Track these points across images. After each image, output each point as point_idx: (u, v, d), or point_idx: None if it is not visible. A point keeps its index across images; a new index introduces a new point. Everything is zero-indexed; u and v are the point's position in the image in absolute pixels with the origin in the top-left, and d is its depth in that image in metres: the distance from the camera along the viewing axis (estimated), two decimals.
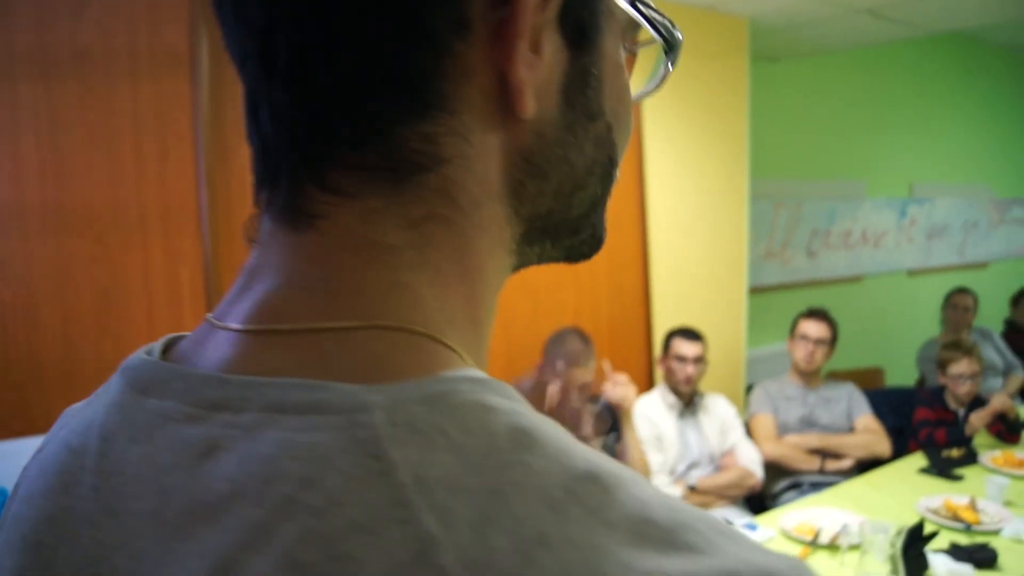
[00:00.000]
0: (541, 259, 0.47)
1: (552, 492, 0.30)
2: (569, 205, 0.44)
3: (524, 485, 0.30)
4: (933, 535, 2.27)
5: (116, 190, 2.28)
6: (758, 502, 3.30)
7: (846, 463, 3.30)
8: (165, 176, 2.35)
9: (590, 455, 0.33)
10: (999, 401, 3.42)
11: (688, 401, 3.22)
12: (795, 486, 3.31)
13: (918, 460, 3.25)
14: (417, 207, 0.38)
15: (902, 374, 5.06)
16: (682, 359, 3.13)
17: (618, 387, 2.98)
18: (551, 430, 0.34)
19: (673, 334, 3.21)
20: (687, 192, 3.62)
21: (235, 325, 0.38)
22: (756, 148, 4.83)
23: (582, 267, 3.22)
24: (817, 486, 3.18)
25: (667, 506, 0.32)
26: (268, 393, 0.34)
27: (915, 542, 2.25)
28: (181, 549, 0.32)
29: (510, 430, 0.32)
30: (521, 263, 0.46)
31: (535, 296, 3.09)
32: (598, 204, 0.47)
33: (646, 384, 3.45)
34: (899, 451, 3.47)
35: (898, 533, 2.10)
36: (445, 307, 0.39)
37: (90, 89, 2.23)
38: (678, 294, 3.59)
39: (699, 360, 3.14)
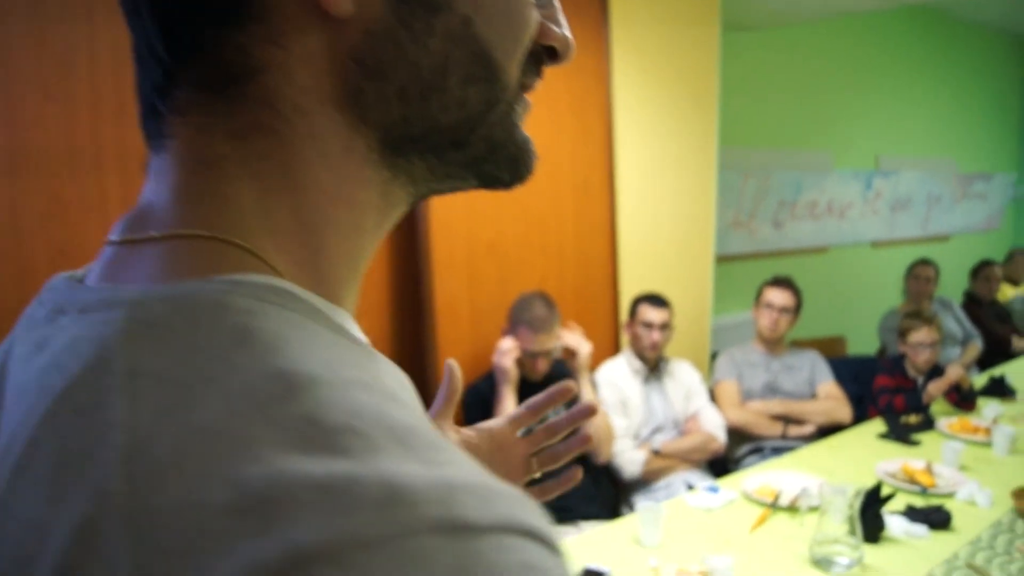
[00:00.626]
0: (437, 175, 0.46)
1: (233, 386, 0.31)
2: (427, 110, 0.42)
3: (214, 379, 0.31)
4: (890, 497, 2.32)
5: (71, 129, 2.23)
6: (721, 466, 3.34)
7: (808, 429, 3.35)
8: (123, 113, 2.30)
9: (311, 359, 0.33)
10: (954, 372, 3.48)
11: (653, 366, 3.24)
12: (757, 451, 3.35)
13: (877, 426, 3.31)
14: (240, 119, 0.40)
15: (864, 343, 5.14)
16: (648, 325, 3.15)
17: (575, 334, 3.01)
18: (280, 332, 0.34)
19: (640, 300, 3.22)
20: (656, 160, 3.61)
21: (112, 238, 0.42)
22: (725, 117, 4.84)
23: (549, 232, 3.22)
24: (779, 451, 3.22)
25: (352, 412, 0.31)
26: (83, 297, 0.38)
27: (872, 504, 2.30)
28: (3, 429, 0.37)
29: (232, 328, 0.33)
30: (405, 179, 0.45)
31: (501, 260, 3.08)
32: (482, 113, 0.44)
33: (612, 349, 3.47)
34: (860, 417, 3.53)
35: (856, 495, 2.13)
36: (268, 217, 0.40)
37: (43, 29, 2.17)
38: (645, 261, 3.60)
39: (665, 326, 3.16)
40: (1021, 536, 2.32)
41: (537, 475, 0.80)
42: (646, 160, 3.57)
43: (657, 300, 3.19)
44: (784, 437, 3.33)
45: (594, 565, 2.08)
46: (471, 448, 0.76)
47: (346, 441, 0.29)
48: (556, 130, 3.20)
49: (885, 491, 2.33)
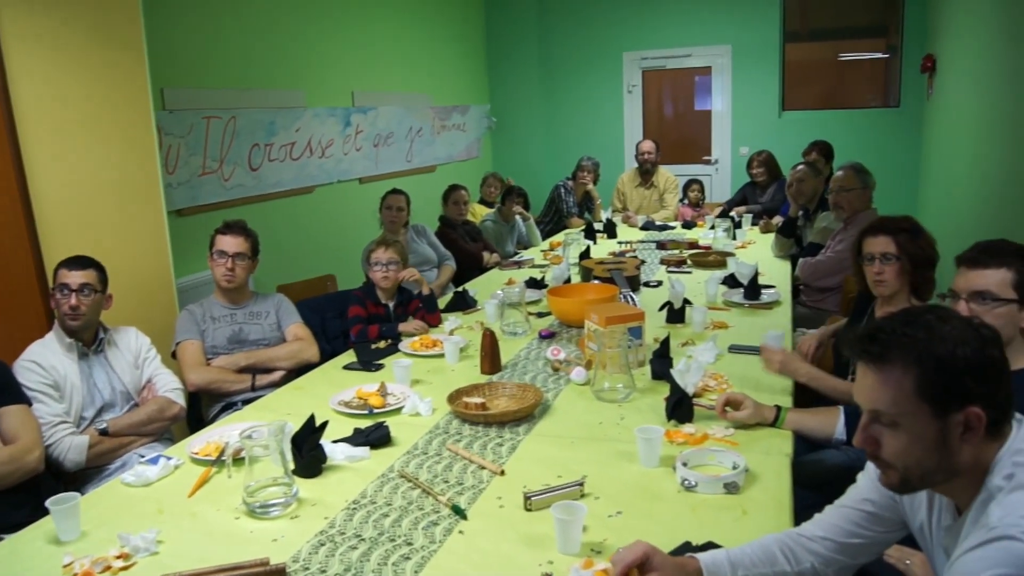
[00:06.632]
0: None
1: None
2: None
3: None
4: (323, 427, 2.27)
5: None
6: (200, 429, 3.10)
7: (277, 375, 3.24)
8: None
9: None
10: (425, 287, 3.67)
11: (91, 340, 2.87)
12: (230, 406, 3.18)
13: (349, 357, 3.32)
14: None
15: (356, 279, 5.23)
16: (65, 288, 2.75)
17: None
18: None
19: (58, 265, 2.80)
20: (70, 107, 3.17)
21: None
22: (177, 56, 4.50)
23: None
24: (251, 402, 3.07)
25: None
26: None
27: (308, 436, 2.24)
28: None
29: None
30: None
31: None
32: None
33: (44, 327, 3.01)
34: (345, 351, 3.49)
35: (280, 431, 2.05)
36: None
37: None
38: (75, 223, 3.18)
39: (88, 289, 2.77)
40: (452, 436, 2.44)
41: None
42: (56, 108, 3.12)
43: (77, 261, 2.79)
44: (254, 388, 3.19)
45: None
46: None
47: None
48: None
49: (322, 420, 2.29)
